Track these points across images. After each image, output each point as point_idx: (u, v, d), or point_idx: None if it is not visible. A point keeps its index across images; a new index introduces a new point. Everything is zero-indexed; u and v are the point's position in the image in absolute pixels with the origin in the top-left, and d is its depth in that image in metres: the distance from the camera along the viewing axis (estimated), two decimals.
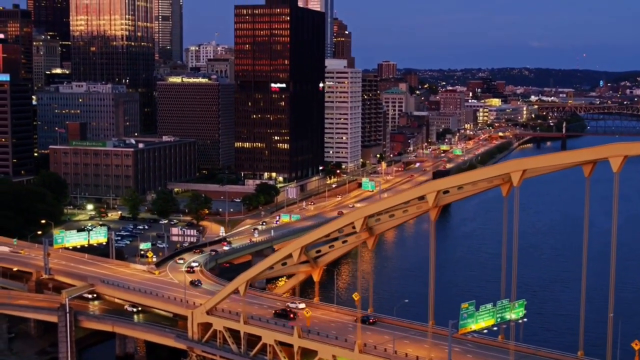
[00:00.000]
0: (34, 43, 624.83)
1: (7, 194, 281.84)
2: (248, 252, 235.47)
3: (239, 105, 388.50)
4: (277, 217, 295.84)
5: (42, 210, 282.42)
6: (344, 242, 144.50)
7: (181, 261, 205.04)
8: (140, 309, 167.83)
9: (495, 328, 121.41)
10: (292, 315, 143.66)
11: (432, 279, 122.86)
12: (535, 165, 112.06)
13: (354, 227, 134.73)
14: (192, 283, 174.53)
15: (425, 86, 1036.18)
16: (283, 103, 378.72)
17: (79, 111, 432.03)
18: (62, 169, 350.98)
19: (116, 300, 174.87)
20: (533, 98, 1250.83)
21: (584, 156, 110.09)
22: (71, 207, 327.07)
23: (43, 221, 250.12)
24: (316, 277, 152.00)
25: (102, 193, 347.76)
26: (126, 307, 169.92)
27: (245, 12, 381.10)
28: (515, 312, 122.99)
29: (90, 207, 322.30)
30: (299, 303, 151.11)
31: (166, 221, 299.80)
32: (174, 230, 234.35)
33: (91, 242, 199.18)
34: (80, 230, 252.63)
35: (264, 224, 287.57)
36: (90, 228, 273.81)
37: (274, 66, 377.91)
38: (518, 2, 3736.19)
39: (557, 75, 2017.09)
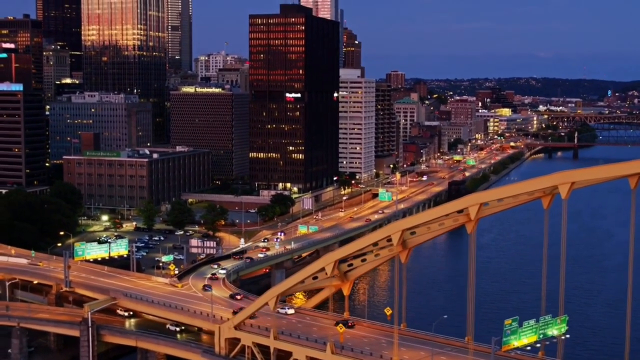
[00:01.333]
0: (44, 53, 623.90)
1: (22, 205, 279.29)
2: (269, 264, 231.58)
3: (253, 115, 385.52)
4: (279, 235, 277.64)
5: (57, 222, 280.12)
6: (376, 255, 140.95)
7: (218, 268, 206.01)
8: (183, 328, 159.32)
9: (538, 345, 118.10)
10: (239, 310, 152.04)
11: (472, 294, 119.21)
12: (584, 178, 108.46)
13: (388, 241, 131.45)
14: (203, 287, 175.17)
15: (435, 96, 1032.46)
16: (298, 113, 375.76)
17: (91, 121, 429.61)
18: (76, 180, 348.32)
19: (152, 317, 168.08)
20: (541, 108, 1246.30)
21: (632, 169, 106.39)
22: (85, 217, 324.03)
23: (62, 233, 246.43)
24: (346, 291, 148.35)
25: (116, 204, 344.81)
26: (168, 326, 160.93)
27: (259, 21, 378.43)
28: (557, 329, 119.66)
29: (105, 218, 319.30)
30: (289, 308, 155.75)
31: (182, 232, 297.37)
32: (193, 242, 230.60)
33: (112, 254, 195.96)
34: (96, 241, 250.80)
35: (282, 234, 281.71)
36: (106, 239, 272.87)
37: (289, 76, 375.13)
38: (523, 12, 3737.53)
39: (564, 85, 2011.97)
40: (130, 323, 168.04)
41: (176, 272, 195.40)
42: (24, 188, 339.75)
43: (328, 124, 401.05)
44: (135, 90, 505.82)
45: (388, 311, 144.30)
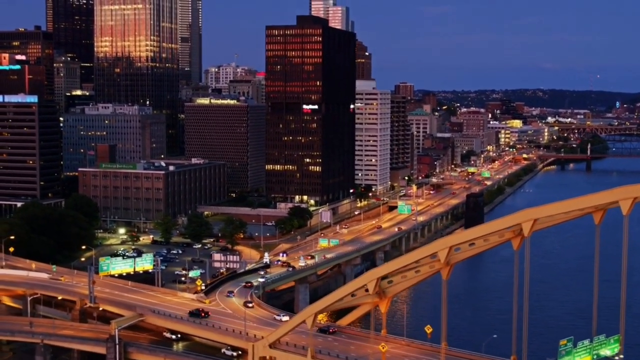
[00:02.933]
0: (54, 64, 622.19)
1: (39, 218, 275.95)
2: (294, 278, 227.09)
3: (270, 127, 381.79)
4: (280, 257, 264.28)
5: (75, 235, 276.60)
6: (416, 271, 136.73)
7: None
8: (240, 353, 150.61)
9: None
10: (203, 314, 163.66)
11: (525, 310, 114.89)
12: None
13: (432, 257, 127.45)
14: (245, 304, 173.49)
15: (444, 107, 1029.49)
16: (315, 125, 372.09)
17: (105, 133, 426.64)
18: (91, 192, 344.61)
19: (202, 340, 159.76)
20: (550, 119, 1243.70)
21: None
22: (101, 230, 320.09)
23: (83, 247, 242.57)
24: (384, 309, 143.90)
25: (132, 216, 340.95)
26: (224, 350, 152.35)
27: (276, 32, 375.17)
28: (611, 348, 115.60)
29: (122, 231, 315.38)
30: (284, 315, 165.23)
31: (200, 245, 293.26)
32: (216, 256, 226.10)
33: (137, 269, 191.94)
34: (119, 256, 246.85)
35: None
36: (123, 252, 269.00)
37: (306, 87, 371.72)
38: (528, 24, 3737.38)
39: (571, 96, 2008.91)
40: (178, 346, 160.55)
41: (203, 287, 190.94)
42: (39, 200, 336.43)
43: (344, 136, 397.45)
44: (147, 102, 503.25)
45: (428, 329, 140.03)
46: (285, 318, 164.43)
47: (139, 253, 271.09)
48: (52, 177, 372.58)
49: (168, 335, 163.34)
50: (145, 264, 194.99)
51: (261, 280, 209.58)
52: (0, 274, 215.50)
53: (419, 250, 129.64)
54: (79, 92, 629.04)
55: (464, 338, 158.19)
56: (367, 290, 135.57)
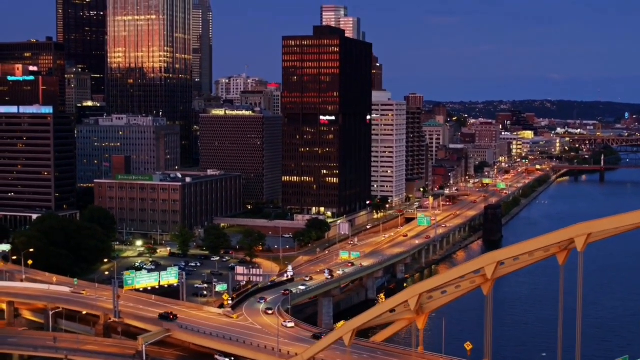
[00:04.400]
0: (65, 76, 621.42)
1: (56, 230, 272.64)
2: (319, 292, 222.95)
3: (286, 138, 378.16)
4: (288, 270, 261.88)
5: (93, 248, 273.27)
6: (457, 287, 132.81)
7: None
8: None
9: None
10: (172, 317, 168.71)
11: (579, 331, 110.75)
12: None
13: (475, 273, 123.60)
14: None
15: (454, 118, 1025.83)
16: (332, 136, 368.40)
17: (119, 144, 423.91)
18: (107, 204, 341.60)
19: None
20: (559, 130, 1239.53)
21: None
22: (117, 243, 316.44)
23: (106, 260, 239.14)
24: (421, 325, 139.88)
25: (148, 228, 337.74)
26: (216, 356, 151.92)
27: (293, 43, 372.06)
28: None
29: (139, 243, 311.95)
30: (289, 322, 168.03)
31: (218, 258, 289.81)
32: (239, 269, 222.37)
33: (162, 283, 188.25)
34: (133, 268, 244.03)
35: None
36: (141, 265, 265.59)
37: (323, 98, 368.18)
38: (536, 35, 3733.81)
39: (579, 107, 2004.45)
40: None
41: (230, 302, 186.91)
42: (55, 212, 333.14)
43: (361, 147, 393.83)
44: (160, 113, 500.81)
45: (468, 346, 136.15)
46: (291, 324, 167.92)
47: (158, 266, 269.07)
48: (67, 189, 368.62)
49: (219, 357, 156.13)
50: (170, 277, 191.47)
51: (302, 287, 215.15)
52: (21, 287, 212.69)
53: (464, 266, 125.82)
54: (89, 103, 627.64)
55: (506, 355, 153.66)
56: (410, 307, 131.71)
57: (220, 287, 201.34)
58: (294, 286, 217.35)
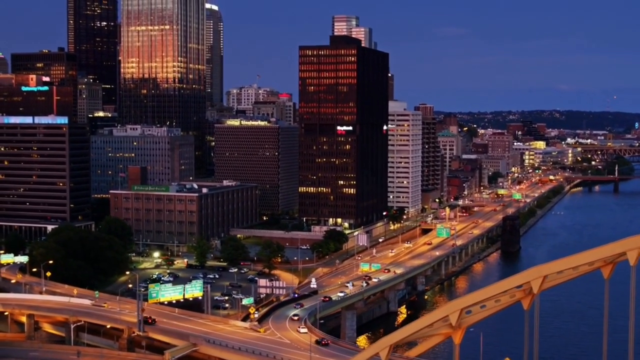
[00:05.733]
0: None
1: (74, 241, 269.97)
2: (344, 304, 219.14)
3: (303, 148, 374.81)
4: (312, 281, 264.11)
5: (112, 259, 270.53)
6: (496, 301, 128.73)
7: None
8: None
9: None
10: (150, 321, 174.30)
11: (631, 346, 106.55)
12: None
13: (518, 287, 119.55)
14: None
15: (465, 129, 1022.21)
16: (348, 146, 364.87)
17: (133, 154, 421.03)
18: (123, 214, 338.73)
19: None
20: (570, 140, 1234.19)
21: None
22: (133, 254, 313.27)
23: (127, 272, 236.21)
24: (457, 340, 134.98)
25: (165, 240, 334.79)
26: None
27: (309, 53, 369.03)
28: None
29: (156, 254, 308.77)
30: (302, 328, 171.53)
31: (236, 270, 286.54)
32: (261, 282, 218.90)
33: (186, 296, 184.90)
34: (152, 280, 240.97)
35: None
36: (159, 277, 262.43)
37: (340, 108, 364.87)
38: (543, 45, 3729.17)
39: (588, 117, 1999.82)
40: None
41: (256, 315, 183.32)
42: (71, 223, 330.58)
43: (378, 158, 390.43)
44: (173, 123, 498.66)
45: None
46: (304, 330, 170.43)
47: (175, 277, 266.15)
48: (81, 200, 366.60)
49: None
50: (194, 290, 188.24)
51: (341, 294, 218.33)
52: (41, 300, 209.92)
53: (508, 280, 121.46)
54: (101, 114, 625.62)
55: None
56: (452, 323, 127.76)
57: (246, 301, 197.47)
58: (316, 299, 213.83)
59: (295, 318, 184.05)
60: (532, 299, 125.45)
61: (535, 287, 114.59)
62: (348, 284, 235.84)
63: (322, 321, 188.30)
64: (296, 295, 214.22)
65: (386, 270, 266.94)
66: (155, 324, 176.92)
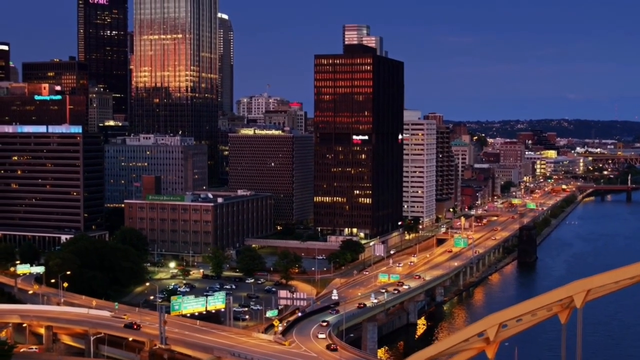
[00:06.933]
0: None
1: (89, 252, 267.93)
2: (367, 316, 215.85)
3: (318, 158, 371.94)
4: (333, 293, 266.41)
5: (128, 269, 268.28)
6: (533, 315, 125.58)
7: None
8: None
9: None
10: (135, 327, 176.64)
11: None
12: None
13: (559, 301, 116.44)
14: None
15: (475, 138, 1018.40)
16: (364, 156, 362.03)
17: (146, 164, 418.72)
18: (137, 224, 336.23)
19: None
20: (579, 149, 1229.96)
21: None
22: (149, 264, 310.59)
23: (147, 283, 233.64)
24: (491, 354, 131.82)
25: (179, 249, 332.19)
26: None
27: (325, 62, 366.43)
28: None
29: (172, 265, 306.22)
30: (322, 334, 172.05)
31: (252, 280, 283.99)
32: (282, 293, 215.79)
33: (209, 308, 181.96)
34: (169, 291, 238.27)
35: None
36: (175, 287, 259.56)
37: (356, 117, 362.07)
38: (551, 54, 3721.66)
39: (596, 126, 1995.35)
40: None
41: (280, 328, 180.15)
42: (85, 233, 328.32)
43: (393, 167, 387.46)
44: (185, 133, 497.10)
45: None
46: (322, 336, 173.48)
47: (192, 288, 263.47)
48: (95, 209, 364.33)
49: None
50: (217, 302, 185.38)
51: (375, 301, 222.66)
52: (59, 311, 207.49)
53: (551, 294, 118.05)
54: (112, 123, 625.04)
55: None
56: (480, 336, 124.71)
57: (270, 313, 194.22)
58: (328, 315, 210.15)
59: (324, 324, 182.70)
60: (570, 312, 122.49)
61: (578, 301, 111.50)
62: (382, 290, 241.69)
63: (351, 335, 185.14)
64: (319, 307, 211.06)
65: (417, 277, 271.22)
66: (140, 329, 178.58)
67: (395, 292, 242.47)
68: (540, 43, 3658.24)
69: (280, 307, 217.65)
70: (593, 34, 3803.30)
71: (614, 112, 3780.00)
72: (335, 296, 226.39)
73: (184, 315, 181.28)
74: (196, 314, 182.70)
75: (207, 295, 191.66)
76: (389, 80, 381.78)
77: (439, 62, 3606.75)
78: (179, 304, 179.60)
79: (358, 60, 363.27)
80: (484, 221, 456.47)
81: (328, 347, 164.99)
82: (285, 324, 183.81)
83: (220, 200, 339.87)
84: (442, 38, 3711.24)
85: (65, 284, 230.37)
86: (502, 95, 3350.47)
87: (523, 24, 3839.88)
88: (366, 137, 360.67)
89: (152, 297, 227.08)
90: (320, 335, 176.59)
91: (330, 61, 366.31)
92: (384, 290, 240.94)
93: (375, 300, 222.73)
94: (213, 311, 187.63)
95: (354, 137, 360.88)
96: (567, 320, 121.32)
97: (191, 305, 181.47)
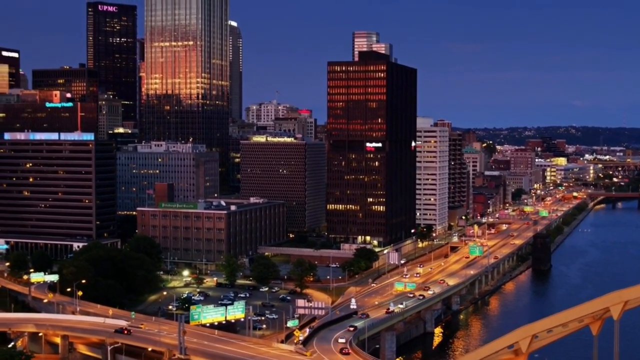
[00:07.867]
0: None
1: (103, 260, 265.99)
2: (387, 325, 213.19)
3: (331, 165, 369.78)
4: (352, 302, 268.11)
5: (142, 278, 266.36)
6: (564, 326, 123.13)
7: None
8: None
9: None
10: (126, 332, 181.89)
11: None
12: None
13: (593, 313, 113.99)
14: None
15: (484, 145, 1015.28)
16: (377, 163, 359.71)
17: (157, 171, 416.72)
18: (150, 232, 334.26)
19: None
20: (587, 157, 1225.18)
21: None
22: (162, 272, 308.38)
23: (164, 293, 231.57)
24: None
25: (192, 257, 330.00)
26: None
27: (338, 69, 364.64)
28: None
29: (185, 273, 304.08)
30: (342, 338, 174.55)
31: (267, 288, 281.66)
32: (299, 302, 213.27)
33: (228, 318, 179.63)
34: (180, 299, 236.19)
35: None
36: (190, 296, 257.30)
37: (369, 125, 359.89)
38: (557, 61, 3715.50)
39: (604, 133, 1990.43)
40: None
41: (301, 338, 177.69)
42: (98, 241, 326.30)
43: (406, 175, 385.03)
44: (196, 140, 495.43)
45: None
46: (342, 340, 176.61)
47: (206, 297, 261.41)
48: (107, 217, 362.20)
49: None
50: (236, 312, 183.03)
51: (401, 306, 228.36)
52: (75, 320, 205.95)
53: (586, 305, 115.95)
54: (121, 130, 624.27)
55: None
56: (510, 347, 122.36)
57: (291, 323, 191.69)
58: (357, 320, 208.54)
59: (352, 329, 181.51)
60: (602, 324, 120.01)
61: (615, 312, 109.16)
62: (410, 295, 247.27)
63: (377, 346, 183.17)
64: (337, 316, 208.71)
65: (441, 282, 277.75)
66: (130, 334, 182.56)
67: (421, 297, 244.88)
68: (546, 50, 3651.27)
69: (296, 316, 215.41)
70: (599, 41, 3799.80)
71: (621, 119, 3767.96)
72: (353, 305, 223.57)
73: (203, 325, 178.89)
74: (215, 323, 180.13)
75: (226, 305, 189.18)
76: (403, 87, 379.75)
77: (446, 70, 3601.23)
78: (199, 313, 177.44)
79: (372, 67, 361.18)
80: (496, 229, 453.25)
81: (341, 350, 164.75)
82: (306, 331, 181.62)
83: (233, 207, 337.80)
84: (449, 46, 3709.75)
85: (80, 293, 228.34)
86: (509, 102, 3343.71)
87: (529, 31, 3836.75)
88: (379, 145, 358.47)
89: (170, 307, 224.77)
90: (340, 340, 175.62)
91: (344, 68, 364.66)
92: (405, 298, 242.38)
93: (402, 305, 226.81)
94: (232, 321, 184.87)
95: (367, 144, 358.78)
96: (599, 332, 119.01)
97: (211, 315, 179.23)
